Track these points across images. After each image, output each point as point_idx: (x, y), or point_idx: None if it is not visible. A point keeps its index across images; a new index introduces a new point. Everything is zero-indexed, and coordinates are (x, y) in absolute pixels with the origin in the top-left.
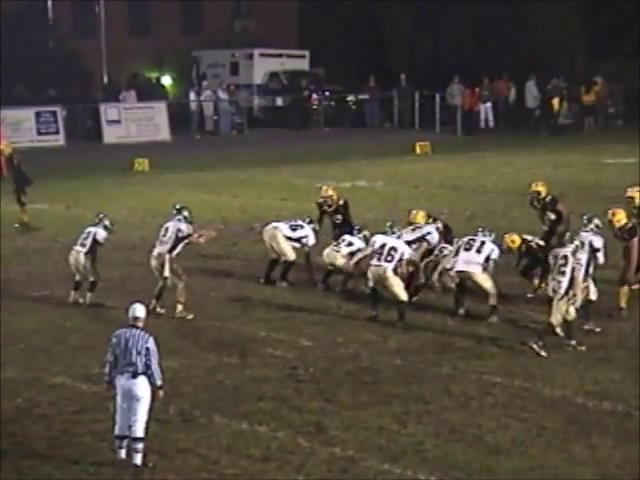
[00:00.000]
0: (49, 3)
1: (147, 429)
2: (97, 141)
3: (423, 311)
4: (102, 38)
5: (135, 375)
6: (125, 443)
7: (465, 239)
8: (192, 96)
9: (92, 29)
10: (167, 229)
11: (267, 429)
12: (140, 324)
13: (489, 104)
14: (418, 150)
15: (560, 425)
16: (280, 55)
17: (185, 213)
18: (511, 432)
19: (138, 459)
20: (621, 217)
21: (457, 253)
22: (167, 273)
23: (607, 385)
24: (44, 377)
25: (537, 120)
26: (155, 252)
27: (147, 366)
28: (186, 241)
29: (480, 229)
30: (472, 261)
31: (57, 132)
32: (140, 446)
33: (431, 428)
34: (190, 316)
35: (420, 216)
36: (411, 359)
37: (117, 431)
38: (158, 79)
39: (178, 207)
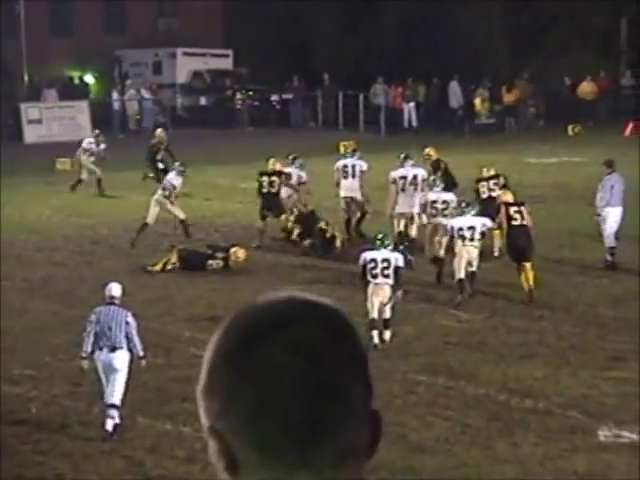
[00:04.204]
0: None
1: (123, 399)
2: (18, 141)
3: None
4: (22, 37)
5: (114, 349)
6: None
7: None
8: (115, 95)
9: (12, 28)
10: (291, 174)
11: (191, 430)
12: (117, 302)
13: (412, 104)
14: (342, 150)
15: (483, 423)
16: (203, 54)
17: (301, 161)
18: (435, 430)
19: (109, 425)
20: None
21: None
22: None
23: (529, 383)
24: None
25: (460, 120)
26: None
27: (128, 339)
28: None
29: None
30: None
31: None
32: (114, 413)
33: None
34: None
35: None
36: None
37: (106, 399)
38: (81, 78)
39: (292, 157)
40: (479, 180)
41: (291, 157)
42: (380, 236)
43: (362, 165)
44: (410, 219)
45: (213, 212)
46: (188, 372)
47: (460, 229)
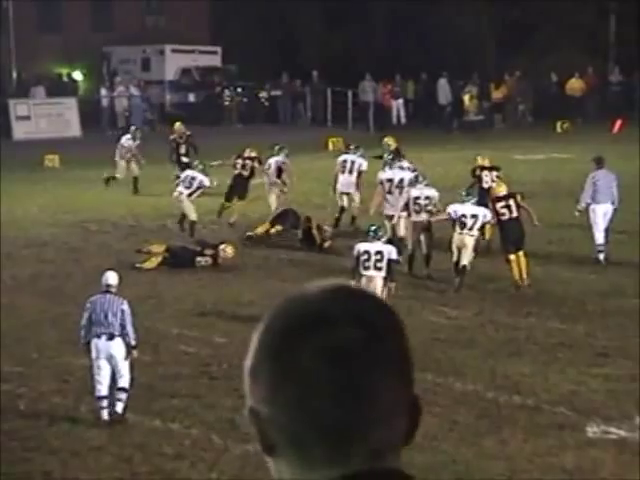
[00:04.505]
0: None
1: (131, 382)
2: (6, 137)
3: None
4: (11, 34)
5: (112, 337)
6: (106, 403)
7: None
8: (103, 92)
9: (1, 25)
10: (270, 164)
11: (180, 426)
12: (113, 290)
13: (401, 100)
14: (331, 146)
15: (471, 419)
16: (192, 51)
17: (286, 151)
18: (423, 427)
19: (120, 407)
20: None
21: None
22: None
23: (517, 379)
24: None
25: (449, 117)
26: (267, 184)
27: (122, 327)
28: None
29: None
30: None
31: None
32: (123, 396)
33: None
34: None
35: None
36: None
37: (98, 392)
38: (69, 75)
39: (278, 147)
40: (482, 168)
41: (277, 147)
42: (373, 228)
43: (362, 164)
44: (390, 219)
45: (202, 209)
46: (176, 369)
47: (463, 216)
